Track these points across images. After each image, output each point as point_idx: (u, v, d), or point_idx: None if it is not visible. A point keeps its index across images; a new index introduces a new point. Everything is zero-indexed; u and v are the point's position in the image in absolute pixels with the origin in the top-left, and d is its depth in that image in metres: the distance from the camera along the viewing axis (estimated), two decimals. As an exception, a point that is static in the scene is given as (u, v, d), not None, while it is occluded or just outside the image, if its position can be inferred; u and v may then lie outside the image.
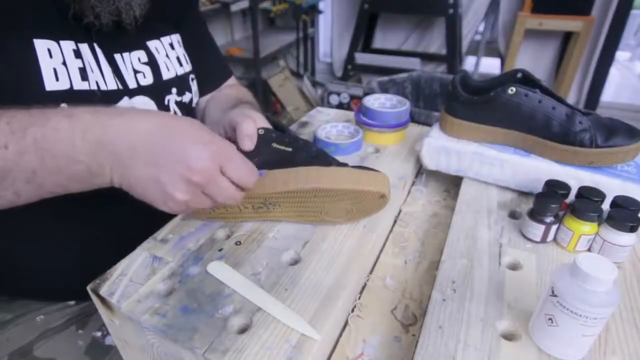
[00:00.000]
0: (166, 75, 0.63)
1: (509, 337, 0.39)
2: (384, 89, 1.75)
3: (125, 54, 0.58)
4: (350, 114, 0.87)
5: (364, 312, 0.46)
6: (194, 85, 0.70)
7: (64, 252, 0.60)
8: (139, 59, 0.60)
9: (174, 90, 0.65)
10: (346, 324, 0.45)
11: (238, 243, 0.51)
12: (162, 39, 0.64)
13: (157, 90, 0.62)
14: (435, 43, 2.80)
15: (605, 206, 0.50)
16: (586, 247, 0.49)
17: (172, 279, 0.46)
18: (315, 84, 2.89)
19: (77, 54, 0.51)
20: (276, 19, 2.96)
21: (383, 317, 0.46)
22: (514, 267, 0.48)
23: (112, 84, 0.55)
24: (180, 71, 0.66)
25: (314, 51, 3.17)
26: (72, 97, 0.49)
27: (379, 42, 2.93)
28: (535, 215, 0.50)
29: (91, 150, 0.38)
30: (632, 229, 0.45)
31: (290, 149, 0.54)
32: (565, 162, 0.57)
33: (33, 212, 0.45)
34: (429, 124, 0.78)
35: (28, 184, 0.39)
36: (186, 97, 0.67)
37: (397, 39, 2.89)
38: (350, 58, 2.70)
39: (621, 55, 3.25)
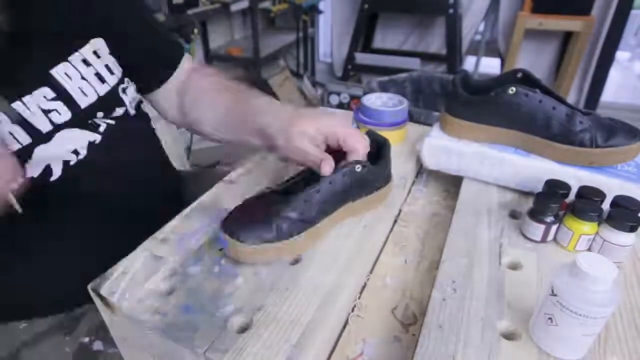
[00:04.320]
0: (85, 101, 0.55)
1: (509, 336, 0.39)
2: (384, 89, 1.75)
3: (26, 98, 0.49)
4: (350, 114, 0.87)
5: (364, 311, 0.46)
6: (127, 96, 0.61)
7: (57, 264, 0.58)
8: (45, 97, 0.51)
9: (99, 114, 0.57)
10: (346, 323, 0.45)
11: (238, 243, 0.51)
12: (72, 57, 0.54)
13: (80, 120, 0.55)
14: (435, 43, 2.79)
15: (606, 206, 0.50)
16: (586, 247, 0.49)
17: (173, 278, 0.46)
18: (315, 84, 2.89)
19: None
20: (276, 19, 2.96)
21: (383, 317, 0.46)
22: (514, 266, 0.48)
23: (24, 138, 0.49)
24: (104, 89, 0.57)
25: (314, 51, 3.17)
26: None
27: (379, 42, 2.93)
28: (536, 215, 0.50)
29: None
30: (632, 229, 0.46)
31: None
32: (566, 162, 0.57)
33: (23, 224, 0.44)
34: (429, 124, 0.78)
35: None
36: (117, 112, 0.60)
37: (397, 39, 2.89)
38: (350, 58, 2.70)
39: (621, 55, 3.25)
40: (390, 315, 0.46)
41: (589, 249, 0.49)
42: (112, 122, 0.59)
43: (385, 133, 0.75)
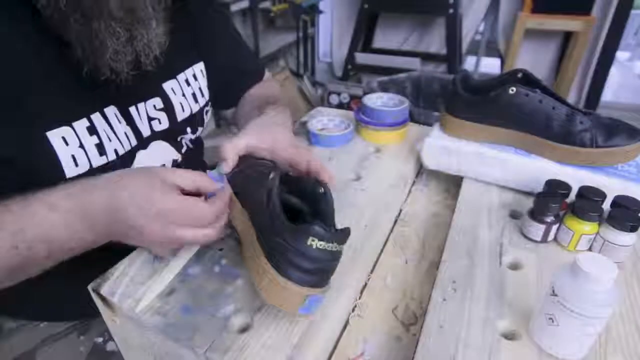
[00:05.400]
0: (181, 116, 0.62)
1: (509, 336, 0.39)
2: (384, 88, 1.75)
3: (141, 105, 0.56)
4: (350, 114, 0.87)
5: (365, 311, 0.46)
6: (207, 117, 0.69)
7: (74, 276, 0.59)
8: (154, 106, 0.58)
9: (188, 129, 0.64)
10: (347, 323, 0.45)
11: (238, 242, 0.51)
12: (179, 76, 0.62)
13: (172, 133, 0.61)
14: (435, 43, 2.79)
15: (606, 206, 0.50)
16: (587, 247, 0.49)
17: (173, 278, 0.46)
18: (315, 83, 2.89)
19: (92, 130, 0.49)
20: (276, 19, 2.95)
21: (383, 317, 0.46)
22: (514, 266, 0.48)
23: (127, 144, 0.54)
24: (195, 108, 0.64)
25: (314, 51, 3.17)
26: (90, 175, 0.48)
27: (379, 42, 2.93)
28: (536, 214, 0.50)
29: (91, 227, 0.41)
30: (633, 229, 0.45)
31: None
32: (566, 162, 0.57)
33: None
34: (429, 124, 0.78)
35: (47, 261, 0.42)
36: (199, 130, 0.67)
37: (397, 39, 2.88)
38: (350, 58, 2.69)
39: (621, 55, 3.25)
40: (390, 315, 0.46)
41: (590, 249, 0.49)
42: (191, 145, 0.66)
43: (385, 133, 0.75)
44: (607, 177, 0.55)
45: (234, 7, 2.24)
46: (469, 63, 2.87)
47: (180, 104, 0.61)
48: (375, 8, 2.59)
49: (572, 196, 0.53)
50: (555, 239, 0.51)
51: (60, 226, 0.40)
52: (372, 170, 0.67)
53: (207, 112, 0.68)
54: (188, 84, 0.63)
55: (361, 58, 2.68)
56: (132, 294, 0.43)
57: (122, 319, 0.44)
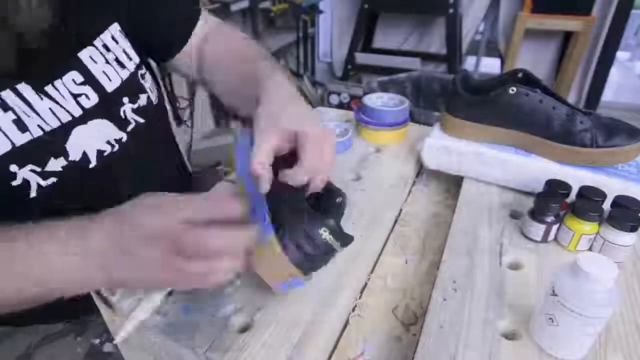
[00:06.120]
0: (110, 86, 0.55)
1: (509, 336, 0.39)
2: (384, 89, 1.75)
3: (57, 82, 0.50)
4: (350, 114, 0.87)
5: (365, 311, 0.46)
6: (146, 82, 0.61)
7: None
8: (74, 81, 0.51)
9: (125, 99, 0.57)
10: (347, 323, 0.45)
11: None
12: (95, 42, 0.54)
13: (107, 106, 0.55)
14: (435, 43, 2.79)
15: (606, 206, 0.50)
16: (587, 247, 0.49)
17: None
18: (315, 83, 2.89)
19: (4, 106, 0.45)
20: (276, 19, 2.95)
21: (384, 317, 0.46)
22: (514, 266, 0.48)
23: (54, 121, 0.49)
24: (125, 74, 0.57)
25: (314, 51, 3.17)
26: (20, 154, 0.46)
27: (379, 42, 2.93)
28: (536, 214, 0.50)
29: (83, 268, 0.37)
30: (633, 229, 0.45)
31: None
32: (566, 162, 0.57)
33: None
34: (429, 124, 0.78)
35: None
36: (142, 100, 0.60)
37: (397, 38, 2.88)
38: (350, 58, 2.69)
39: (621, 55, 3.24)
40: (391, 315, 0.46)
41: (590, 249, 0.49)
42: (140, 119, 0.59)
43: (386, 133, 0.75)
44: (608, 177, 0.55)
45: (234, 7, 2.24)
46: (469, 63, 2.87)
47: (104, 72, 0.54)
48: (375, 8, 2.59)
49: (573, 196, 0.53)
50: (555, 239, 0.51)
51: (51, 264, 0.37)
52: (372, 170, 0.67)
53: (143, 75, 0.61)
54: (107, 49, 0.55)
55: (361, 58, 2.68)
56: (132, 293, 0.43)
57: (122, 319, 0.44)
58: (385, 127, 0.74)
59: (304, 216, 0.39)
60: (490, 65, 2.79)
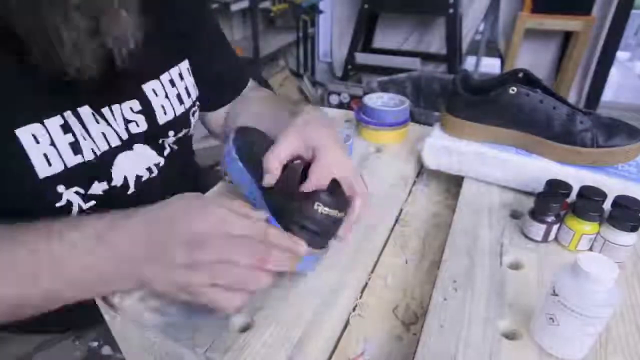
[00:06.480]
0: (163, 119, 0.57)
1: (510, 336, 0.39)
2: (384, 89, 1.75)
3: (115, 107, 0.52)
4: (350, 114, 0.87)
5: (365, 311, 0.46)
6: (194, 118, 0.64)
7: None
8: (131, 109, 0.53)
9: (170, 133, 0.59)
10: (347, 323, 0.45)
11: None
12: (162, 76, 0.57)
13: (153, 136, 0.57)
14: (435, 43, 2.79)
15: (607, 206, 0.50)
16: (587, 247, 0.49)
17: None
18: (315, 83, 2.89)
19: (66, 127, 0.46)
20: (276, 19, 2.95)
21: (384, 317, 0.46)
22: (515, 266, 0.48)
23: (104, 145, 0.50)
24: (180, 110, 0.59)
25: (314, 51, 3.17)
26: (68, 176, 0.47)
27: (379, 42, 2.93)
28: (537, 214, 0.50)
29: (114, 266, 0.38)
30: (633, 229, 0.45)
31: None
32: (567, 161, 0.57)
33: None
34: (429, 124, 0.78)
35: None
36: (182, 133, 0.62)
37: (397, 39, 2.88)
38: (350, 58, 2.70)
39: (621, 55, 3.25)
40: (391, 314, 0.46)
41: (590, 249, 0.49)
42: (175, 147, 0.62)
43: (386, 133, 0.75)
44: (608, 177, 0.55)
45: (234, 7, 2.24)
46: (469, 63, 2.87)
47: (162, 106, 0.57)
48: (375, 8, 2.59)
49: (573, 196, 0.53)
50: (556, 238, 0.51)
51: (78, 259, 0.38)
52: (372, 170, 0.67)
53: (193, 113, 0.63)
54: (173, 84, 0.58)
55: (361, 58, 2.68)
56: (132, 292, 0.43)
57: (123, 318, 0.44)
58: (386, 127, 0.74)
59: (296, 200, 0.42)
60: (490, 65, 2.79)
